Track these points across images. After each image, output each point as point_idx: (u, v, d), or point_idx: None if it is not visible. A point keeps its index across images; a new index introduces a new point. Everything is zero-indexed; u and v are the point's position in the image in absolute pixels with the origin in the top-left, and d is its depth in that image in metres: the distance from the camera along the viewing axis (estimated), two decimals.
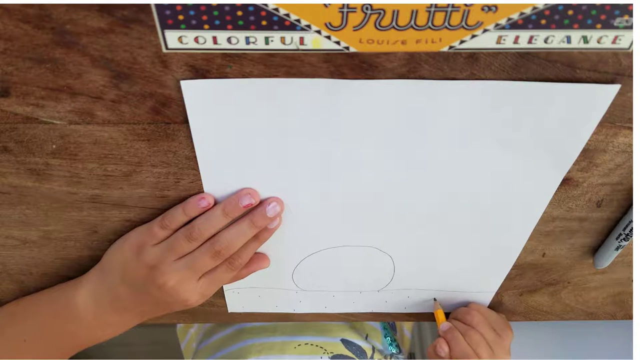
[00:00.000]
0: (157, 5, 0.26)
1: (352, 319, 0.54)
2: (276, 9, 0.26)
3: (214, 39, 0.27)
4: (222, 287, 0.48)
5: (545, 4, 0.26)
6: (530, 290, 0.51)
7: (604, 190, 0.39)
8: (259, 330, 0.60)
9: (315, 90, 0.30)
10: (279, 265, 0.45)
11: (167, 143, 0.34)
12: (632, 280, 0.49)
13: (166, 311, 0.42)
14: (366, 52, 0.28)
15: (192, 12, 0.26)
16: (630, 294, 0.51)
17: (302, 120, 0.32)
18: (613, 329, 0.72)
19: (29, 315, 0.43)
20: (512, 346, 0.49)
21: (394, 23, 0.27)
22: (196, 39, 0.27)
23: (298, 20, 0.26)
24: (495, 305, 0.52)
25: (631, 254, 0.46)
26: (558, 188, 0.38)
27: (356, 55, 0.29)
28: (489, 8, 0.26)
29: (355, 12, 0.26)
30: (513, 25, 0.27)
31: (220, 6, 0.26)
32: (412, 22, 0.27)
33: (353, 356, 0.58)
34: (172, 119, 0.32)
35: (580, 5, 0.26)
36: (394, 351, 0.63)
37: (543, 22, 0.27)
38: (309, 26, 0.27)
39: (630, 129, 0.34)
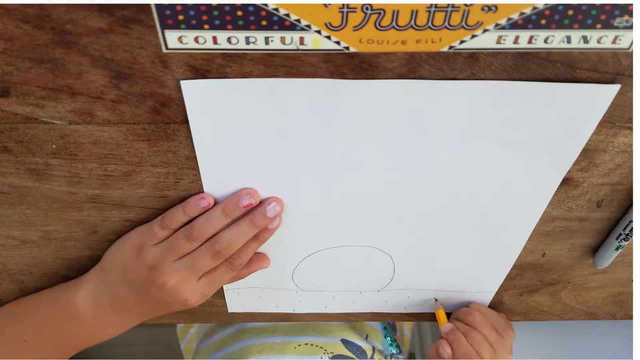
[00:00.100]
0: (157, 5, 0.26)
1: (352, 319, 0.54)
2: (276, 9, 0.26)
3: (214, 39, 0.27)
4: (222, 287, 0.48)
5: (545, 4, 0.26)
6: (530, 290, 0.51)
7: (604, 190, 0.39)
8: (259, 330, 0.60)
9: (315, 90, 0.30)
10: (279, 265, 0.45)
11: (167, 143, 0.34)
12: (632, 280, 0.49)
13: (166, 311, 0.42)
14: (366, 52, 0.28)
15: (192, 12, 0.26)
16: (630, 294, 0.51)
17: (302, 120, 0.32)
18: (613, 329, 0.72)
19: (29, 315, 0.43)
20: (512, 346, 0.49)
21: (394, 23, 0.27)
22: (196, 39, 0.27)
23: (298, 20, 0.26)
24: (495, 305, 0.52)
25: (631, 254, 0.46)
26: (558, 188, 0.38)
27: (356, 55, 0.29)
28: (489, 8, 0.26)
29: (355, 12, 0.26)
30: (513, 25, 0.27)
31: (220, 6, 0.26)
32: (412, 22, 0.27)
33: (353, 356, 0.58)
34: (172, 119, 0.32)
35: (580, 5, 0.26)
36: (394, 351, 0.63)
37: (543, 22, 0.27)
38: (309, 26, 0.27)
39: (630, 129, 0.34)
